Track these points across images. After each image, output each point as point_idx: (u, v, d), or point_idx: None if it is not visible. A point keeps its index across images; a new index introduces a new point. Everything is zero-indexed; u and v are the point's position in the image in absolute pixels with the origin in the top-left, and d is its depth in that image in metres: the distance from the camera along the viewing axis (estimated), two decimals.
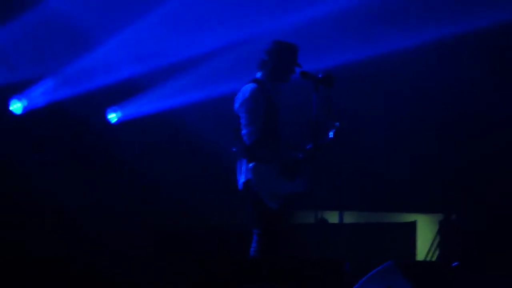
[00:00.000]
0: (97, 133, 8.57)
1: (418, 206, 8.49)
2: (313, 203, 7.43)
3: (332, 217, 8.23)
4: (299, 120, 6.18)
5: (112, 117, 8.64)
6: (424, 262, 7.87)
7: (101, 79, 8.25)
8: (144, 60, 8.23)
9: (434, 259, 8.17)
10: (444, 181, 8.41)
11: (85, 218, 7.97)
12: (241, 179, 5.95)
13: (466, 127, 8.39)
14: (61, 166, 8.27)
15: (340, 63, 7.94)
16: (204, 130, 8.42)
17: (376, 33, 8.05)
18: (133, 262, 5.94)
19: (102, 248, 7.16)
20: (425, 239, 8.37)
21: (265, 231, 5.90)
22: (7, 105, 8.06)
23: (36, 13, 7.67)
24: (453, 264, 6.43)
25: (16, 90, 8.05)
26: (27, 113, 8.13)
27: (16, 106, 8.09)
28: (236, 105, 5.99)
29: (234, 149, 5.98)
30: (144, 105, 8.53)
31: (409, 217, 8.51)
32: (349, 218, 8.49)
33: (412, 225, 8.36)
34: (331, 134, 5.90)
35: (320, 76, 5.92)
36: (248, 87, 5.96)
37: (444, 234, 8.27)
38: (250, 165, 5.87)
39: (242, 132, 5.92)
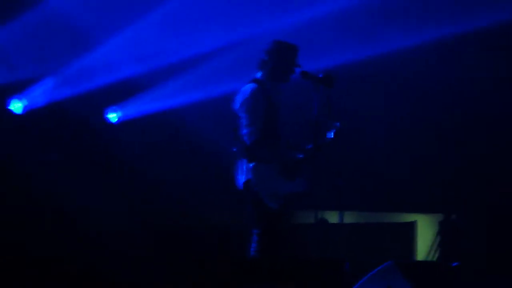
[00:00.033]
0: (97, 133, 8.57)
1: (418, 206, 8.49)
2: (313, 203, 7.42)
3: (332, 217, 8.23)
4: (299, 120, 6.18)
5: (112, 117, 8.65)
6: (424, 262, 7.87)
7: (101, 79, 8.25)
8: (144, 60, 8.24)
9: (434, 259, 8.17)
10: (444, 181, 8.41)
11: (85, 218, 7.98)
12: (241, 179, 5.95)
13: (466, 127, 8.39)
14: (61, 166, 8.27)
15: (340, 63, 7.94)
16: (204, 130, 8.43)
17: (376, 33, 8.05)
18: (133, 262, 5.93)
19: (102, 248, 7.16)
20: (425, 239, 8.37)
21: (265, 231, 5.91)
22: (7, 105, 8.06)
23: (36, 13, 7.67)
24: (453, 264, 6.44)
25: (16, 90, 8.06)
26: (27, 113, 8.13)
27: (16, 106, 8.10)
28: (236, 105, 5.99)
29: (234, 149, 5.98)
30: (144, 105, 8.53)
31: (409, 217, 8.50)
32: (349, 218, 8.50)
33: (412, 225, 8.36)
34: (331, 134, 5.90)
35: (320, 76, 5.92)
36: (248, 87, 5.96)
37: (444, 234, 8.27)
38: (250, 165, 5.87)
39: (242, 132, 5.92)
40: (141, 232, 7.85)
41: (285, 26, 7.78)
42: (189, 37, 8.09)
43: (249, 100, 5.90)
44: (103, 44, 8.09)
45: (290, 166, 5.93)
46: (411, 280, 5.81)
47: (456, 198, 8.29)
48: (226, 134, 6.14)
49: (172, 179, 8.51)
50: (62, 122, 8.41)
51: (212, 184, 8.39)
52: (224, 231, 7.93)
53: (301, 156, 5.94)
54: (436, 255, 8.20)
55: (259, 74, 6.04)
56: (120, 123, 8.63)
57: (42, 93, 8.17)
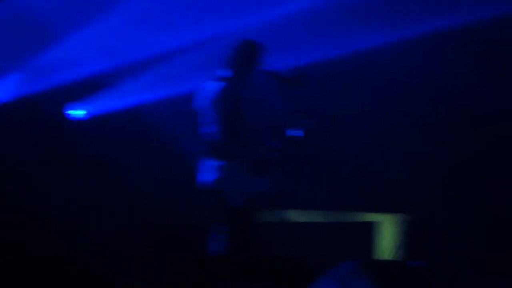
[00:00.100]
0: (63, 129, 8.52)
1: (383, 205, 8.52)
2: (280, 202, 7.46)
3: (297, 216, 8.25)
4: (267, 119, 6.20)
5: (80, 112, 8.60)
6: (385, 261, 7.91)
7: (68, 74, 8.21)
8: (113, 56, 8.20)
9: (396, 258, 8.21)
10: (411, 180, 8.44)
11: (53, 215, 7.93)
12: (207, 177, 5.95)
13: (440, 125, 8.39)
14: (28, 162, 8.21)
15: (319, 60, 7.94)
16: (170, 127, 8.40)
17: (360, 28, 8.05)
18: (105, 259, 5.93)
19: (73, 244, 7.13)
20: (389, 238, 8.41)
21: (231, 229, 5.92)
22: None
23: (1, 9, 7.61)
24: (416, 264, 6.49)
25: None
26: None
27: None
28: (203, 103, 5.99)
29: (195, 148, 5.98)
30: (113, 101, 8.49)
31: (373, 217, 8.54)
32: (313, 217, 8.51)
33: (376, 224, 8.40)
34: (300, 133, 5.93)
35: (288, 75, 5.95)
36: (216, 85, 5.97)
37: (408, 234, 8.31)
38: (218, 163, 5.88)
39: (209, 130, 5.93)
40: (113, 230, 7.82)
41: (254, 24, 7.79)
42: (155, 34, 8.07)
43: (218, 98, 5.91)
44: (70, 39, 8.04)
45: (258, 164, 5.94)
46: (372, 278, 5.85)
47: (423, 198, 8.33)
48: (190, 131, 6.14)
49: (140, 176, 8.48)
50: (28, 118, 8.35)
51: (181, 181, 8.37)
52: (191, 228, 7.92)
53: (268, 154, 5.96)
54: (399, 254, 8.25)
55: (226, 72, 6.05)
56: (88, 119, 8.59)
57: (7, 88, 8.11)
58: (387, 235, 8.34)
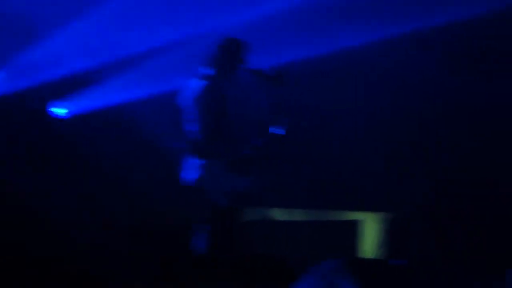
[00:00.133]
0: (47, 127, 8.49)
1: (367, 204, 8.54)
2: (262, 200, 7.46)
3: (279, 215, 8.25)
4: (250, 117, 6.20)
5: (62, 111, 8.58)
6: (368, 260, 7.94)
7: (51, 73, 8.18)
8: (96, 54, 8.18)
9: (379, 257, 8.24)
10: (394, 178, 8.46)
11: (35, 213, 7.90)
12: (190, 175, 5.95)
13: (424, 124, 8.41)
14: (9, 160, 8.18)
15: (306, 58, 7.95)
16: (155, 125, 8.39)
17: (354, 24, 8.05)
18: (86, 257, 5.92)
19: (55, 244, 7.11)
20: (371, 237, 8.44)
21: (214, 227, 5.93)
22: None
23: None
24: (398, 262, 6.51)
25: None
26: None
27: None
28: (186, 101, 5.99)
29: (177, 145, 5.98)
30: (96, 99, 8.47)
31: (357, 215, 8.56)
32: (296, 215, 8.52)
33: (359, 223, 8.42)
34: (282, 131, 5.94)
35: (270, 73, 5.96)
36: (199, 84, 5.97)
37: (390, 233, 8.34)
38: (200, 161, 5.88)
39: (192, 128, 5.93)
40: (92, 228, 7.80)
41: (236, 23, 7.78)
42: (139, 32, 8.05)
43: (202, 96, 5.92)
44: (53, 37, 8.02)
45: (240, 163, 5.95)
46: (355, 277, 5.86)
47: (406, 196, 8.36)
48: (173, 129, 6.14)
49: (124, 175, 8.46)
50: (10, 116, 8.32)
51: (165, 180, 8.35)
52: (173, 227, 7.91)
53: (251, 152, 5.97)
54: (383, 253, 8.28)
55: (209, 70, 6.05)
56: (70, 117, 8.56)
57: None
58: (370, 234, 8.36)
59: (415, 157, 8.24)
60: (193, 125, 5.93)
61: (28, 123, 8.43)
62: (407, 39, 7.97)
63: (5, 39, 7.89)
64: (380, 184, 8.25)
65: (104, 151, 8.52)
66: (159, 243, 7.55)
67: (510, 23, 7.79)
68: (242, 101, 6.26)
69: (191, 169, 5.95)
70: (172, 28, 7.97)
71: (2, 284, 5.50)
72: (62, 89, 8.37)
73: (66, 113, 8.58)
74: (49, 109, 8.50)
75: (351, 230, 8.36)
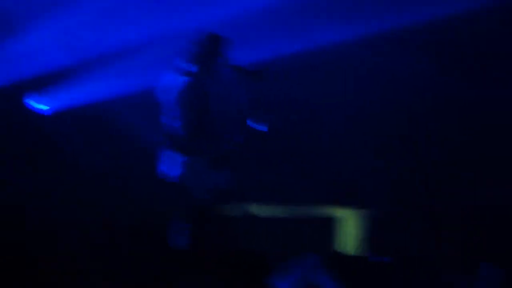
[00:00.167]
0: (26, 123, 8.46)
1: (345, 200, 8.56)
2: (242, 195, 7.47)
3: (259, 210, 8.26)
4: (231, 114, 6.21)
5: (42, 107, 8.55)
6: (347, 256, 7.97)
7: (31, 68, 8.14)
8: (76, 50, 8.15)
9: (359, 253, 8.27)
10: (376, 175, 8.49)
11: (12, 209, 7.87)
12: (171, 171, 5.96)
13: (402, 120, 8.42)
14: None
15: (294, 53, 7.95)
16: (135, 122, 8.38)
17: (340, 19, 8.05)
18: (66, 255, 5.92)
19: (38, 240, 7.09)
20: (352, 233, 8.46)
21: (194, 223, 5.93)
22: None
23: None
24: (378, 259, 6.55)
25: None
26: None
27: None
28: (166, 97, 5.99)
29: (158, 139, 5.98)
30: (73, 96, 8.44)
31: (337, 212, 8.59)
32: (276, 211, 8.53)
33: (339, 219, 8.45)
34: (262, 128, 5.96)
35: (251, 69, 5.97)
36: (181, 80, 5.97)
37: (370, 229, 8.37)
38: (181, 157, 5.88)
39: (174, 124, 5.93)
40: (71, 224, 7.78)
41: (217, 19, 7.78)
42: (119, 28, 8.03)
43: (182, 93, 5.91)
44: (33, 33, 7.98)
45: (220, 159, 5.96)
46: (335, 273, 5.90)
47: (383, 193, 8.39)
48: (154, 126, 6.13)
49: (102, 170, 8.44)
50: None
51: (144, 174, 8.34)
52: (154, 223, 7.90)
53: (231, 149, 5.98)
54: (363, 249, 8.31)
55: (190, 66, 6.05)
56: (50, 113, 8.53)
57: None
58: (350, 230, 8.39)
59: (402, 152, 8.27)
60: (175, 122, 5.92)
61: (7, 119, 8.40)
62: (395, 35, 7.99)
63: None
64: (366, 179, 8.28)
65: (84, 148, 8.50)
66: (140, 239, 7.54)
67: (499, 20, 7.84)
68: (223, 98, 6.25)
69: (173, 165, 5.95)
70: (153, 24, 7.96)
71: None
72: (42, 85, 8.34)
73: (47, 109, 8.55)
74: (29, 105, 8.46)
75: (331, 226, 8.39)
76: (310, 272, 5.84)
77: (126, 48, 8.11)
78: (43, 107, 8.51)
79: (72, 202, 8.20)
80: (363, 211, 8.34)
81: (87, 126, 8.53)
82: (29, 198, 8.06)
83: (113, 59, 8.19)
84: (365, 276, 6.15)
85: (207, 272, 5.64)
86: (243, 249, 7.01)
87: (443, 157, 8.11)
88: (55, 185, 8.28)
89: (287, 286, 5.87)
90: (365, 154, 8.30)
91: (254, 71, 5.97)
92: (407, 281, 6.15)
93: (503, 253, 6.89)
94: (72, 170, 8.44)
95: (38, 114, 8.47)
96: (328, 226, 8.38)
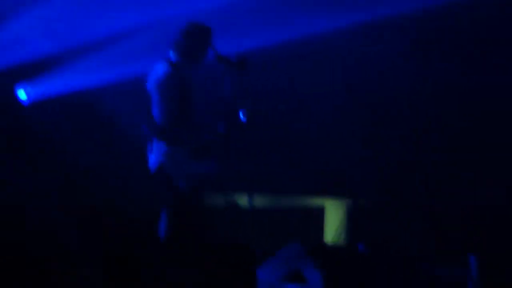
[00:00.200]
0: (7, 112, 8.41)
1: (332, 190, 8.58)
2: (225, 186, 7.46)
3: (243, 200, 8.26)
4: (213, 103, 6.19)
5: (24, 95, 8.49)
6: (331, 246, 7.99)
7: (13, 56, 8.09)
8: (61, 37, 8.10)
9: (342, 243, 8.30)
10: (355, 165, 8.50)
11: None
12: (153, 159, 5.94)
13: (387, 111, 8.44)
14: None
15: (279, 43, 7.93)
16: (121, 110, 8.35)
17: (326, 6, 8.03)
18: (58, 242, 5.90)
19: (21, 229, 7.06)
20: (335, 223, 8.49)
21: (176, 212, 5.93)
22: None
23: None
24: (360, 248, 6.56)
25: None
26: None
27: None
28: (149, 85, 5.97)
29: (144, 128, 5.96)
30: (59, 84, 8.39)
31: (320, 201, 8.61)
32: (260, 201, 8.54)
33: (322, 209, 8.47)
34: (244, 118, 5.95)
35: (234, 59, 5.96)
36: (162, 68, 5.95)
37: (354, 219, 8.40)
38: (163, 146, 5.87)
39: (156, 113, 5.91)
40: (60, 215, 7.75)
41: (202, 7, 7.75)
42: (105, 16, 7.99)
43: (163, 81, 5.90)
44: (15, 20, 7.93)
45: (202, 148, 5.95)
46: (319, 262, 5.91)
47: (368, 183, 8.41)
48: (141, 114, 6.11)
49: (90, 160, 8.41)
50: None
51: (130, 164, 8.32)
52: (138, 212, 7.89)
53: (213, 138, 5.97)
54: (346, 239, 8.34)
55: (173, 55, 6.03)
56: (32, 102, 8.48)
57: None
58: (334, 220, 8.42)
59: (390, 142, 8.29)
60: (156, 111, 5.91)
61: None
62: (389, 23, 7.99)
63: None
64: (353, 169, 8.29)
65: (67, 137, 8.46)
66: (125, 228, 7.54)
67: (498, 5, 7.85)
68: (206, 87, 6.24)
69: (156, 154, 5.94)
70: (139, 11, 7.92)
71: None
72: (25, 73, 8.28)
73: (29, 98, 8.50)
74: (15, 94, 8.41)
75: (315, 216, 8.41)
76: (295, 261, 5.84)
77: (113, 37, 8.07)
78: (26, 96, 8.46)
79: (56, 191, 8.18)
80: (350, 201, 8.36)
81: (73, 114, 8.49)
82: (10, 186, 8.03)
83: (100, 47, 8.16)
84: (350, 266, 6.16)
85: (191, 263, 5.63)
86: (227, 239, 7.01)
87: (432, 147, 8.13)
88: (42, 175, 8.25)
89: (272, 276, 5.87)
90: (352, 144, 8.31)
91: (239, 61, 5.95)
92: (392, 271, 6.17)
93: (490, 243, 6.93)
94: (55, 160, 8.41)
95: (24, 103, 8.42)
96: (314, 216, 8.40)
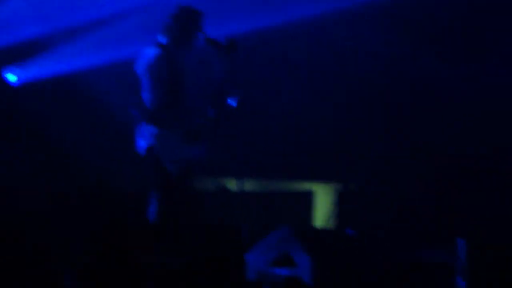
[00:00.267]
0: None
1: (318, 174, 8.60)
2: (215, 170, 7.46)
3: (233, 184, 8.28)
4: (203, 87, 6.18)
5: (12, 77, 8.46)
6: (319, 229, 8.02)
7: (2, 38, 8.05)
8: (50, 20, 8.06)
9: (330, 227, 8.33)
10: (344, 150, 8.52)
11: None
12: (142, 143, 5.93)
13: (376, 97, 8.45)
14: None
15: (260, 28, 7.92)
16: (110, 94, 8.32)
17: None
18: (45, 225, 5.88)
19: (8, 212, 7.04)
20: (324, 207, 8.51)
21: (165, 195, 5.92)
22: None
23: None
24: (349, 232, 6.59)
25: None
26: None
27: None
28: (139, 68, 5.96)
29: (134, 112, 5.95)
30: (49, 67, 8.36)
31: (309, 186, 8.63)
32: (249, 185, 8.56)
33: (311, 193, 8.49)
34: (234, 102, 5.94)
35: (223, 42, 5.94)
36: (152, 52, 5.93)
37: (342, 203, 8.42)
38: (153, 130, 5.85)
39: (145, 96, 5.90)
40: (43, 197, 7.73)
41: None
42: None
43: (153, 65, 5.88)
44: (4, 2, 7.87)
45: (192, 132, 5.94)
46: (307, 246, 5.93)
47: (356, 167, 8.42)
48: (130, 97, 6.10)
49: (77, 143, 8.40)
50: None
51: (120, 147, 8.30)
52: (127, 195, 7.88)
53: (203, 122, 5.96)
54: (334, 223, 8.36)
55: (163, 39, 6.01)
56: (21, 84, 8.44)
57: None
58: (322, 204, 8.45)
59: (377, 126, 8.31)
60: (146, 94, 5.90)
61: None
62: (373, 9, 7.99)
63: None
64: (340, 154, 8.31)
65: (56, 119, 8.44)
66: (114, 211, 7.53)
67: None
68: (196, 71, 6.23)
69: (145, 138, 5.93)
70: None
71: None
72: (13, 55, 8.24)
73: (17, 80, 8.47)
74: (2, 76, 8.37)
75: (304, 200, 8.43)
76: (284, 245, 5.87)
77: (103, 20, 8.04)
78: (14, 78, 8.43)
79: (44, 174, 8.16)
80: (339, 185, 8.39)
81: (62, 97, 8.46)
82: (1, 168, 8.02)
83: (90, 30, 8.12)
84: (339, 250, 6.19)
85: (180, 246, 5.64)
86: (216, 223, 7.03)
87: (421, 131, 8.16)
88: (30, 156, 8.22)
89: (261, 260, 5.89)
90: (342, 128, 8.33)
91: (228, 44, 5.94)
92: (381, 255, 6.20)
93: (476, 227, 6.97)
94: (47, 142, 8.39)
95: (13, 85, 8.39)
96: (303, 200, 8.42)
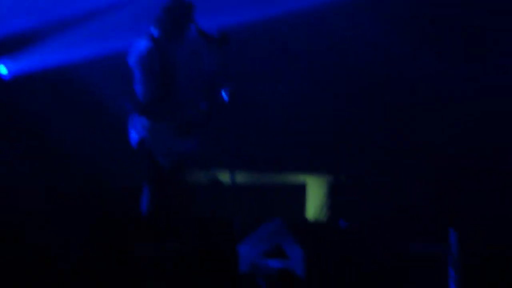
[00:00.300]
0: None
1: (310, 167, 8.61)
2: (207, 163, 7.46)
3: (225, 177, 8.28)
4: (195, 80, 6.18)
5: (3, 70, 8.44)
6: (312, 222, 8.03)
7: None
8: (41, 12, 8.04)
9: (323, 219, 8.34)
10: (338, 142, 8.53)
11: None
12: (135, 135, 5.93)
13: (374, 88, 8.45)
14: None
15: (256, 20, 7.92)
16: (102, 86, 8.31)
17: None
18: (42, 222, 5.89)
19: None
20: (316, 200, 8.52)
21: (157, 188, 5.93)
22: None
23: None
24: (341, 225, 6.60)
25: None
26: None
27: None
28: (131, 61, 5.95)
29: (127, 104, 5.95)
30: (41, 59, 8.34)
31: (302, 178, 8.64)
32: (242, 178, 8.56)
33: (304, 186, 8.50)
34: (225, 95, 5.94)
35: (215, 35, 5.94)
36: (144, 44, 5.93)
37: (334, 196, 8.44)
38: (145, 123, 5.86)
39: (138, 89, 5.90)
40: (35, 192, 7.72)
41: None
42: None
43: (144, 57, 5.89)
44: None
45: (184, 125, 5.94)
46: (299, 238, 5.93)
47: (349, 160, 8.44)
48: (123, 89, 6.10)
49: (68, 136, 8.38)
50: None
51: (112, 140, 8.29)
52: (120, 188, 7.89)
53: (195, 115, 5.97)
54: (327, 216, 8.38)
55: (155, 31, 6.00)
56: (13, 77, 8.43)
57: None
58: (315, 196, 8.45)
59: (370, 118, 8.31)
60: (139, 87, 5.90)
61: None
62: (362, 1, 7.99)
63: None
64: (326, 146, 8.32)
65: (48, 112, 8.42)
66: (107, 203, 7.53)
67: None
68: (188, 64, 6.23)
69: (138, 130, 5.93)
70: None
71: None
72: (3, 48, 8.22)
73: (8, 72, 8.45)
74: None
75: (297, 192, 8.44)
76: (276, 237, 5.87)
77: (95, 11, 8.02)
78: (4, 70, 8.41)
79: (36, 169, 8.15)
80: (331, 177, 8.40)
81: (55, 89, 8.44)
82: None
83: (82, 22, 8.10)
84: (331, 242, 6.19)
85: (173, 239, 5.64)
86: (208, 216, 7.03)
87: (415, 122, 8.17)
88: (22, 150, 8.21)
89: (253, 252, 5.90)
90: (335, 120, 8.33)
91: (220, 36, 5.94)
92: (372, 247, 6.21)
93: (471, 219, 6.99)
94: (39, 134, 8.38)
95: (4, 78, 8.37)
96: (295, 192, 8.43)
